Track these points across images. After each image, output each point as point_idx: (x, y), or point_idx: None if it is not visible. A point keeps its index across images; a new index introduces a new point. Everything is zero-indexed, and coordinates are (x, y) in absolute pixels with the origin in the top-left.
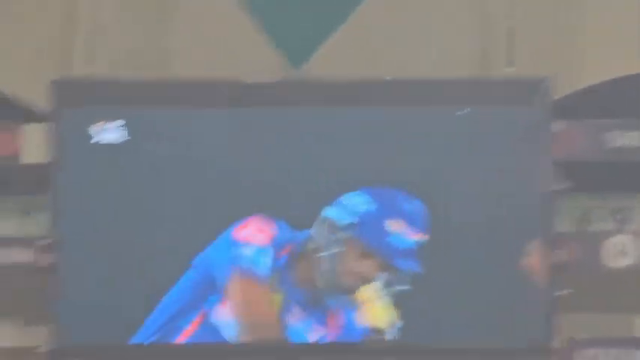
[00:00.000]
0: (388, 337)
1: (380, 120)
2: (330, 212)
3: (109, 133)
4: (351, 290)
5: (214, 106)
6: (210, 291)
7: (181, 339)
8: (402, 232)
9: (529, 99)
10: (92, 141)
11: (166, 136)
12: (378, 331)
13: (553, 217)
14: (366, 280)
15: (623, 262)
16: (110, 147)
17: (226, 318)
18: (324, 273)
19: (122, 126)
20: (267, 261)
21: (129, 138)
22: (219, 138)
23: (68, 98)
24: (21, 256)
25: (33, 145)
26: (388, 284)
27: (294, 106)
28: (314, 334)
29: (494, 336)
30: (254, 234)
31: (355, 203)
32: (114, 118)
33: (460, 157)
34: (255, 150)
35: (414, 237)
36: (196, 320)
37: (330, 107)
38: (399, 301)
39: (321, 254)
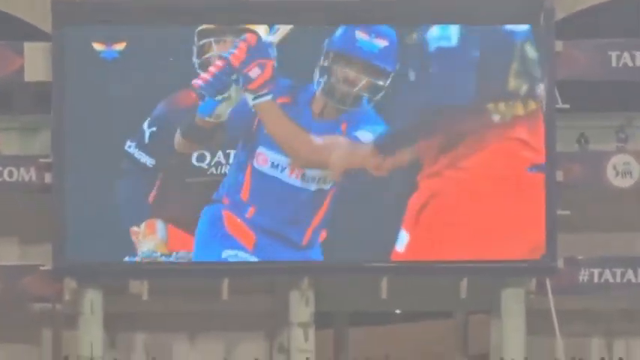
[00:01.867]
0: None
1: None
2: None
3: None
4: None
5: (215, 23)
6: None
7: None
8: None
9: (533, 18)
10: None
11: (165, 53)
12: None
13: (555, 137)
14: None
15: (626, 182)
16: (111, 64)
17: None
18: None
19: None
20: None
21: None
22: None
23: (69, 16)
24: (23, 174)
25: (36, 63)
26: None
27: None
28: None
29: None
30: None
31: None
32: (114, 36)
33: (464, 74)
34: None
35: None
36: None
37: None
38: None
39: None
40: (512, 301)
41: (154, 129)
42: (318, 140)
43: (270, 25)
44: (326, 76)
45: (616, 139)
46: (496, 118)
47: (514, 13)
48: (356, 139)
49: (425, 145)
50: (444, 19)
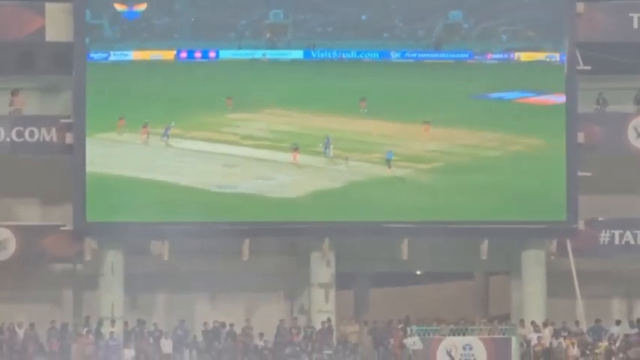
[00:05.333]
0: None
1: None
2: None
3: None
4: None
5: None
6: None
7: None
8: None
9: None
10: None
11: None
12: None
13: (576, 98)
14: None
15: None
16: (132, 25)
17: None
18: None
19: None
20: None
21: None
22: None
23: None
24: (44, 134)
25: (57, 23)
26: None
27: None
28: None
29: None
30: None
31: None
32: None
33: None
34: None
35: None
36: None
37: None
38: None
39: None
40: (533, 263)
41: None
42: None
43: None
44: None
45: (634, 101)
46: None
47: None
48: None
49: None
50: None
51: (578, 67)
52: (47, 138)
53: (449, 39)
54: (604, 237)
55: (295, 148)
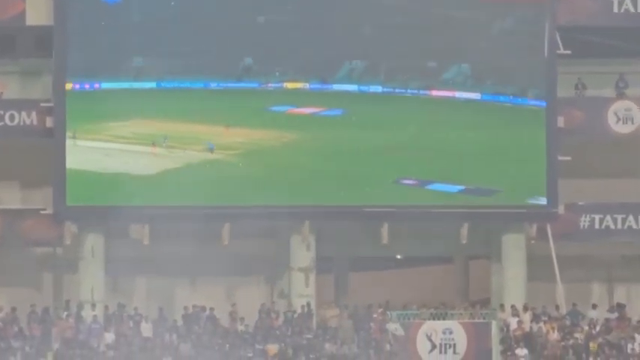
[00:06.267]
0: None
1: None
2: None
3: None
4: None
5: None
6: None
7: None
8: None
9: None
10: None
11: None
12: None
13: (556, 82)
14: None
15: (627, 128)
16: (112, 9)
17: None
18: None
19: None
20: None
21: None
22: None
23: None
24: (24, 118)
25: (38, 7)
26: None
27: None
28: None
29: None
30: None
31: None
32: None
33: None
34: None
35: None
36: None
37: None
38: None
39: None
40: (513, 247)
41: None
42: None
43: None
44: None
45: (615, 87)
46: None
47: None
48: None
49: None
50: None
51: (559, 52)
52: (27, 122)
53: (245, 75)
54: (584, 221)
55: (153, 143)
